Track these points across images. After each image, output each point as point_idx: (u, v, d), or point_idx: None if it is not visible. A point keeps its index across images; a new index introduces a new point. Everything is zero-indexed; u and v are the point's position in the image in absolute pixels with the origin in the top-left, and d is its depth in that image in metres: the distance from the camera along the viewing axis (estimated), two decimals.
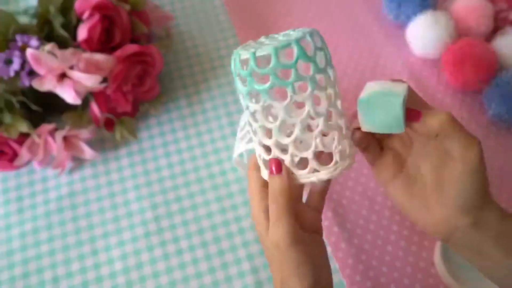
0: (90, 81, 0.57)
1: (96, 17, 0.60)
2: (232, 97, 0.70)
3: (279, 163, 0.40)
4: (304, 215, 0.43)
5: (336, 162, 0.40)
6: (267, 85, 0.37)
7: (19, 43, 0.57)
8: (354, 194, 0.62)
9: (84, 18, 0.60)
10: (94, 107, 0.62)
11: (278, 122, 0.39)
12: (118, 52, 0.61)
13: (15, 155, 0.62)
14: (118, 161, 0.65)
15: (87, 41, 0.60)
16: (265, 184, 0.43)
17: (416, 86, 0.70)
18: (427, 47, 0.70)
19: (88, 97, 0.61)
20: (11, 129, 0.59)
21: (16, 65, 0.57)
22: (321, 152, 0.41)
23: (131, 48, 0.61)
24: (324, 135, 0.40)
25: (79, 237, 0.60)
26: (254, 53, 0.37)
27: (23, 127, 0.59)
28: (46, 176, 0.64)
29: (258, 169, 0.44)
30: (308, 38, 0.37)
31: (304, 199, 0.46)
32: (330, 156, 0.41)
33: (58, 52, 0.56)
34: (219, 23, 0.77)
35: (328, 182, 0.44)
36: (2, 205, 0.62)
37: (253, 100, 0.40)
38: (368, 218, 0.61)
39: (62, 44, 0.59)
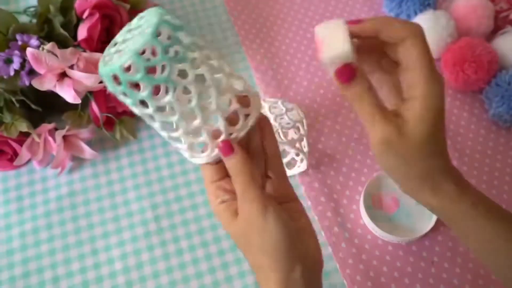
0: (90, 80, 0.56)
1: (96, 16, 0.60)
2: None
3: (229, 144, 0.38)
4: (271, 188, 0.41)
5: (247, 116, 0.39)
6: (146, 92, 0.35)
7: (19, 43, 0.57)
8: (355, 193, 0.62)
9: (84, 17, 0.60)
10: (94, 107, 0.61)
11: (177, 115, 0.37)
12: None
13: (15, 154, 0.62)
14: (118, 161, 0.65)
15: (87, 40, 0.60)
16: (214, 178, 0.41)
17: None
18: None
19: (88, 96, 0.61)
20: (11, 129, 0.59)
21: (16, 64, 0.57)
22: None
23: None
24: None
25: (79, 237, 0.60)
26: (120, 66, 0.34)
27: (23, 126, 0.59)
28: (46, 176, 0.64)
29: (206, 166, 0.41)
30: (163, 25, 0.35)
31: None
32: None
33: (58, 51, 0.56)
34: (219, 23, 0.77)
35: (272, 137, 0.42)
36: (2, 205, 0.62)
37: (146, 106, 0.38)
38: None
39: (62, 44, 0.59)
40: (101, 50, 0.61)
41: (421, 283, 0.57)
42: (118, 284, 0.57)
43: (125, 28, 0.39)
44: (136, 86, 0.36)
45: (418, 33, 0.37)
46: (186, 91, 0.38)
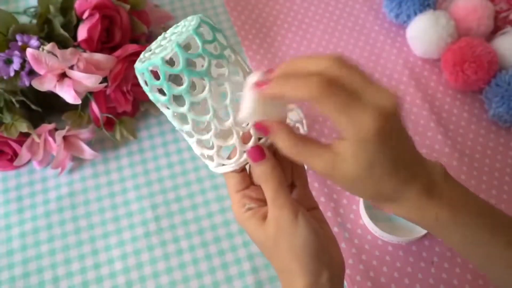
0: (90, 80, 0.56)
1: (96, 17, 0.60)
2: None
3: (260, 149, 0.39)
4: (296, 196, 0.42)
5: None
6: (185, 84, 0.37)
7: (19, 43, 0.57)
8: None
9: (84, 17, 0.60)
10: (94, 107, 0.62)
11: (211, 112, 0.38)
12: (118, 52, 0.61)
13: (15, 154, 0.62)
14: (118, 161, 0.65)
15: (87, 40, 0.60)
16: (239, 187, 0.41)
17: (416, 86, 0.70)
18: (427, 47, 0.70)
19: (88, 97, 0.61)
20: (11, 129, 0.59)
21: (16, 64, 0.57)
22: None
23: (131, 47, 0.61)
24: None
25: (79, 237, 0.60)
26: (162, 58, 0.36)
27: (23, 126, 0.59)
28: (46, 176, 0.64)
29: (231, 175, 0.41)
30: (203, 24, 0.37)
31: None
32: None
33: (58, 51, 0.56)
34: (219, 23, 0.77)
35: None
36: (2, 205, 0.62)
37: (177, 105, 0.39)
38: None
39: (62, 44, 0.59)
40: (101, 50, 0.61)
41: (421, 283, 0.57)
42: (118, 284, 0.57)
43: (159, 37, 0.40)
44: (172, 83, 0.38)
45: (315, 91, 0.32)
46: (218, 91, 0.40)
